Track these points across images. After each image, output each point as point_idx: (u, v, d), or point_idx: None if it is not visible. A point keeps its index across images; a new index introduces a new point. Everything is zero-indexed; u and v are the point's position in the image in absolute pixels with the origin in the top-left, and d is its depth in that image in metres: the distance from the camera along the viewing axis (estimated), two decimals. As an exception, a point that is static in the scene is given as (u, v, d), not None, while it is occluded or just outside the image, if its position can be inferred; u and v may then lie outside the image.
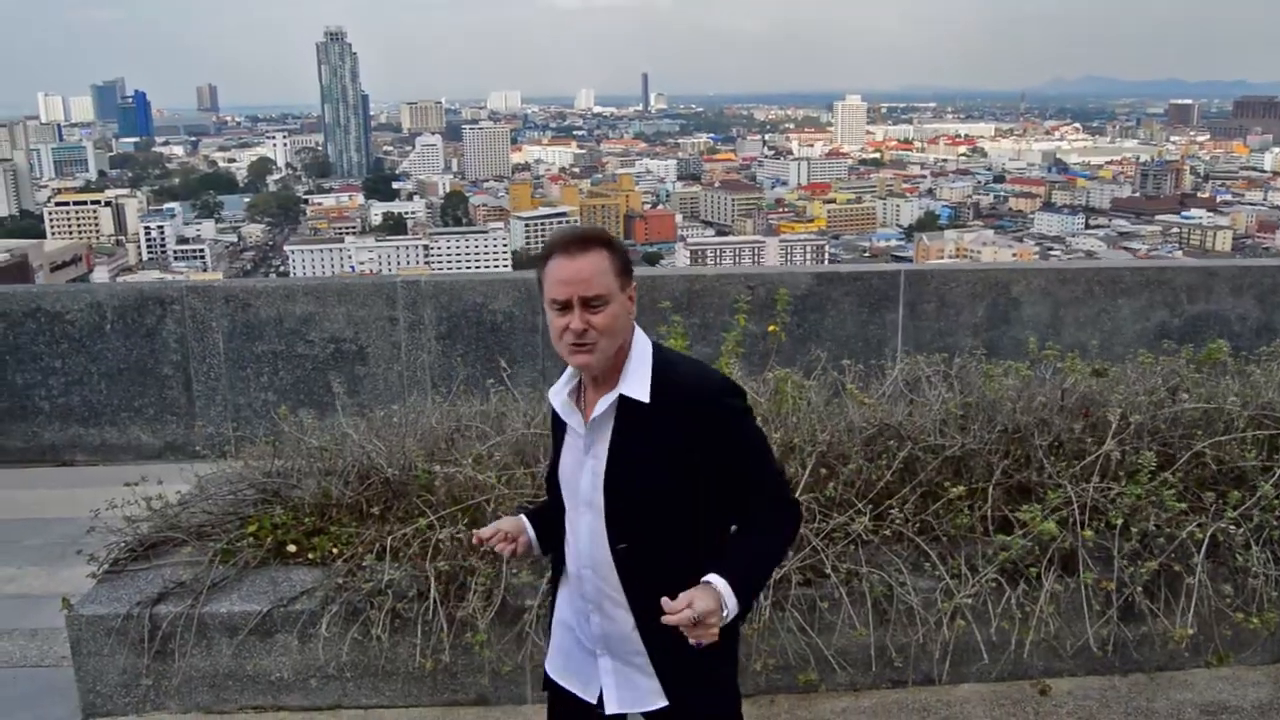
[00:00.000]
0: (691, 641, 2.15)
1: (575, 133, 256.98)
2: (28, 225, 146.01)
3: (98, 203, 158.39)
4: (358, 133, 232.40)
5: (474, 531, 2.56)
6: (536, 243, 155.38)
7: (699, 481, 2.30)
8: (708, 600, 2.14)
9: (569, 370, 2.43)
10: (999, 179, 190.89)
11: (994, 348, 6.85)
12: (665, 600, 2.13)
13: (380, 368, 7.10)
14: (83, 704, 4.10)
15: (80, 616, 4.04)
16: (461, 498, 4.26)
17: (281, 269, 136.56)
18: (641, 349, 2.36)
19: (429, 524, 4.13)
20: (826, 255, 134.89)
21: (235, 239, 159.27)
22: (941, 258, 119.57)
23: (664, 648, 2.35)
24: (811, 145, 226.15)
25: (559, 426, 2.48)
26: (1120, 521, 4.06)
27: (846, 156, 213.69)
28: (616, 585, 2.38)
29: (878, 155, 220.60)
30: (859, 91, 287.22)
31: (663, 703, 2.42)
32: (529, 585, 3.92)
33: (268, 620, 4.01)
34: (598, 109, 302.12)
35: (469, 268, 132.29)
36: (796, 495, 4.03)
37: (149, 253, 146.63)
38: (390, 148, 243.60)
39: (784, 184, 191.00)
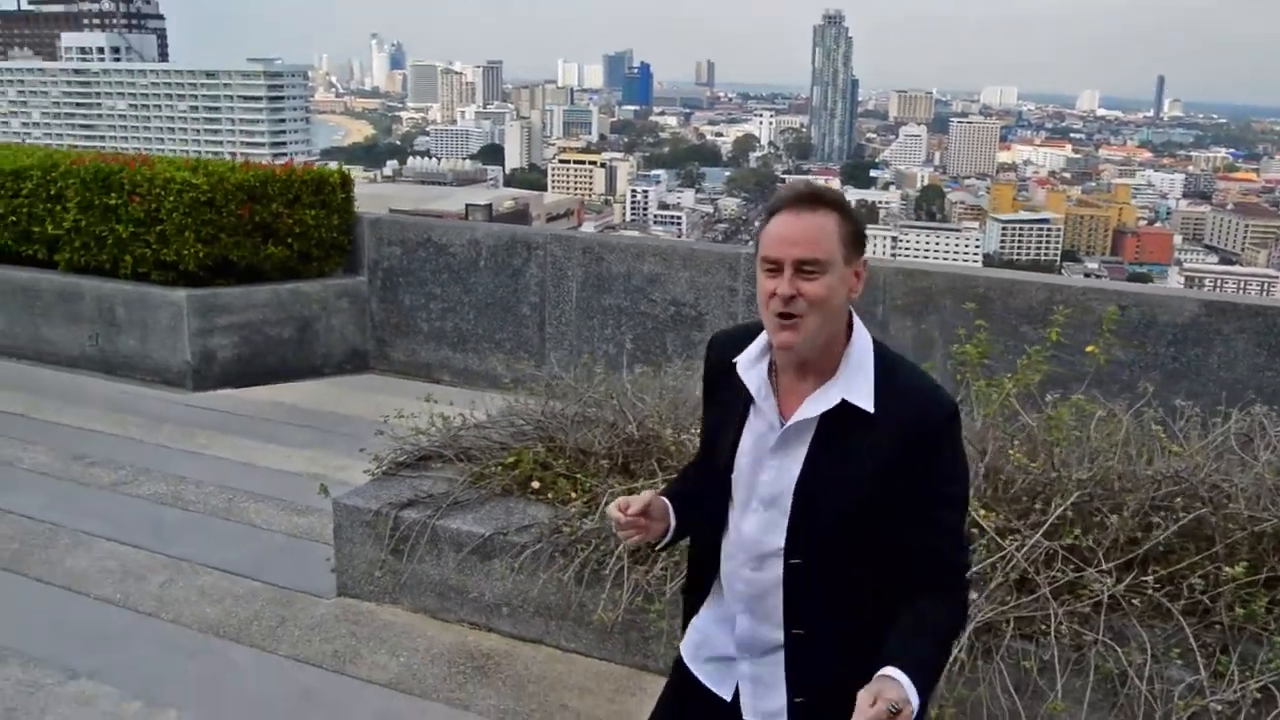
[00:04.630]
0: None
1: (1072, 135, 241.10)
2: (534, 178, 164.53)
3: (594, 163, 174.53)
4: (843, 117, 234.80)
5: (618, 504, 2.13)
6: (1012, 247, 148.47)
7: (894, 510, 1.99)
8: (896, 690, 1.83)
9: (760, 341, 2.09)
10: None
11: None
12: (861, 702, 1.82)
13: (715, 336, 7.15)
14: (338, 584, 4.57)
15: (342, 505, 4.50)
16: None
17: (750, 244, 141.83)
18: (862, 346, 2.04)
19: (651, 486, 4.11)
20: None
21: (711, 210, 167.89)
22: None
23: (808, 683, 2.10)
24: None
25: (730, 395, 2.11)
26: None
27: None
28: (777, 601, 2.10)
29: None
30: None
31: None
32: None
33: (488, 544, 4.22)
34: (1101, 111, 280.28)
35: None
36: (1037, 535, 3.57)
37: (632, 214, 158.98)
38: (873, 135, 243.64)
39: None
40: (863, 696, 1.81)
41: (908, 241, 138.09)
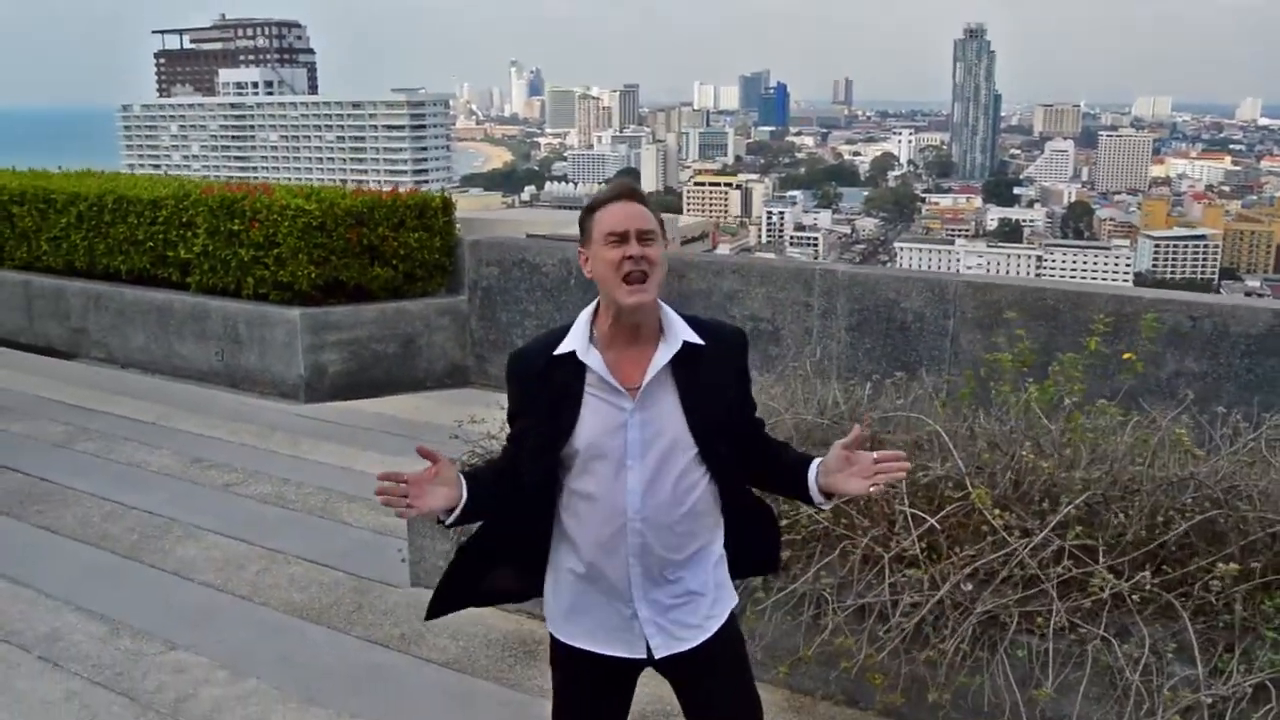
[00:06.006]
0: (888, 480, 2.44)
1: (1231, 146, 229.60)
2: (669, 201, 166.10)
3: (730, 185, 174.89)
4: (985, 133, 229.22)
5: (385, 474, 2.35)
6: (1165, 265, 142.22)
7: (739, 417, 2.55)
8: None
9: (580, 333, 2.44)
10: None
11: None
12: (888, 463, 2.42)
13: (791, 350, 7.34)
14: (411, 575, 4.99)
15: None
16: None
17: (888, 265, 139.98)
18: (665, 307, 2.48)
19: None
20: None
21: (849, 230, 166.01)
22: None
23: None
24: None
25: (554, 390, 2.42)
26: None
27: None
28: (681, 528, 2.43)
29: None
30: None
31: (705, 636, 2.51)
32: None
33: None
34: (1264, 121, 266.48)
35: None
36: (1045, 532, 3.72)
37: (768, 236, 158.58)
38: (1017, 151, 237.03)
39: None
40: (862, 465, 2.40)
41: (1053, 261, 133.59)
